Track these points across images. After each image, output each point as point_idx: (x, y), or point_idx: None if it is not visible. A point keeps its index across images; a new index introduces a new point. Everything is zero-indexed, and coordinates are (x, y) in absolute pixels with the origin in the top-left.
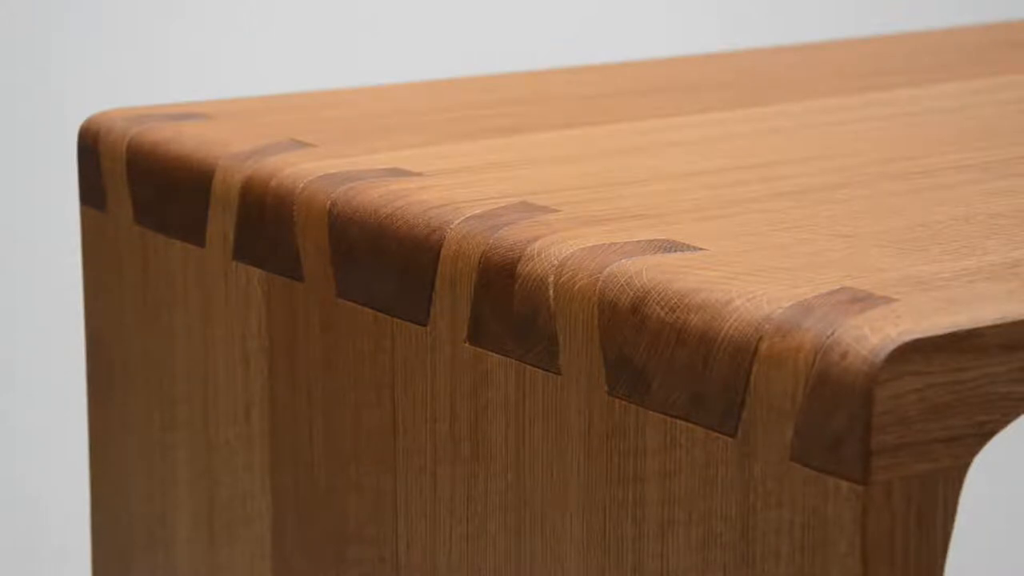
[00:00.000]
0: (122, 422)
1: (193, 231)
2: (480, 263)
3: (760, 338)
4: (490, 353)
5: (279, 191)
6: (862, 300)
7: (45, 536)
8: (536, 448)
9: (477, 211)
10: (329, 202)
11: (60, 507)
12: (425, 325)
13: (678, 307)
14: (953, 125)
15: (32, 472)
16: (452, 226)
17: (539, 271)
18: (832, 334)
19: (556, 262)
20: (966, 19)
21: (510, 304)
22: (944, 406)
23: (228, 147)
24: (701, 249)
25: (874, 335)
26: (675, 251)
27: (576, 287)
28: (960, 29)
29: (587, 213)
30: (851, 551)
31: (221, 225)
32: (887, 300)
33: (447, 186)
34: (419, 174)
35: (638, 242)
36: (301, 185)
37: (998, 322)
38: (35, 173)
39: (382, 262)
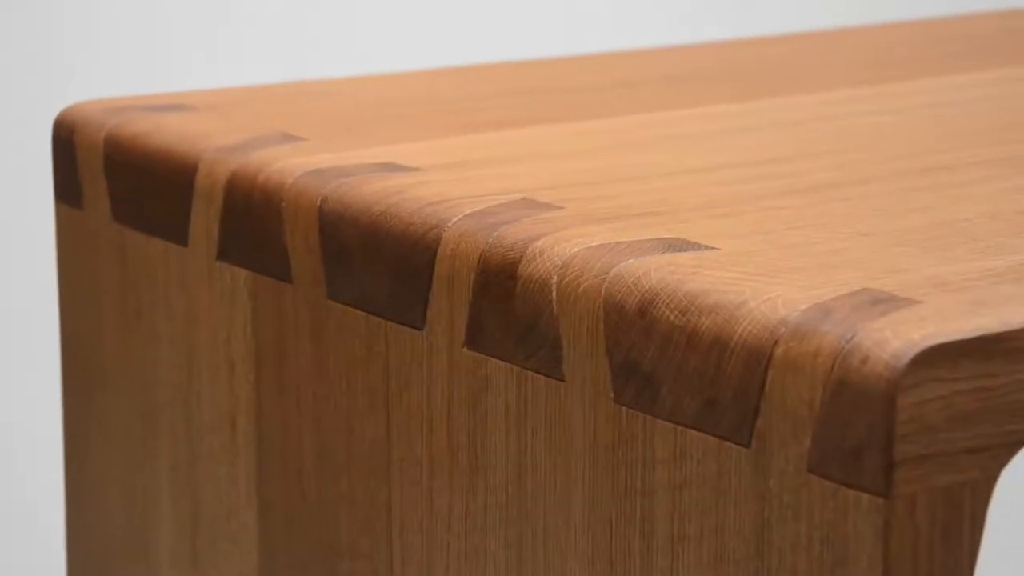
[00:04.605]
0: (100, 431)
1: (175, 229)
2: (479, 263)
3: (775, 342)
4: (490, 358)
5: (266, 187)
6: (883, 302)
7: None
8: (538, 459)
9: (476, 208)
10: (319, 199)
11: (48, 518)
12: (421, 329)
13: (688, 310)
14: (978, 117)
15: (18, 477)
16: (449, 224)
17: (541, 272)
18: (852, 338)
19: (559, 262)
20: (990, 4)
21: (511, 307)
22: (971, 414)
23: (212, 140)
24: (712, 248)
25: (896, 339)
26: (685, 250)
27: (580, 288)
28: (984, 14)
29: (592, 210)
30: (872, 568)
31: (205, 223)
32: (910, 302)
33: (444, 182)
34: (415, 169)
35: (646, 241)
36: (290, 181)
37: None
38: (7, 168)
39: (375, 262)
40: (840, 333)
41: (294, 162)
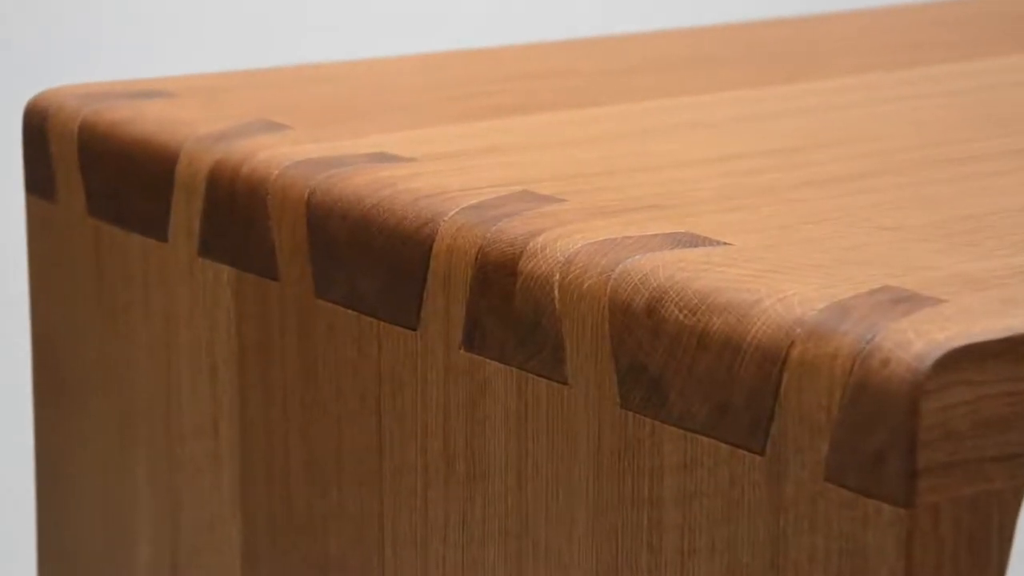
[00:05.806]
0: (74, 437)
1: (154, 224)
2: (477, 260)
3: (791, 343)
4: (488, 360)
5: (251, 179)
6: (906, 301)
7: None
8: (540, 467)
9: (474, 201)
10: (307, 191)
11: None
12: (415, 329)
13: (699, 309)
14: (1006, 105)
15: None
16: (445, 218)
17: (543, 269)
18: (872, 339)
19: (562, 258)
20: None
21: (510, 306)
22: (999, 419)
23: (194, 129)
24: (724, 244)
25: (919, 340)
26: (695, 246)
27: (584, 286)
28: None
29: (596, 203)
30: None
31: (186, 217)
32: (934, 301)
33: (440, 173)
34: (409, 159)
35: (653, 236)
36: (276, 172)
37: None
38: None
39: (367, 258)
40: (860, 334)
41: (280, 152)
